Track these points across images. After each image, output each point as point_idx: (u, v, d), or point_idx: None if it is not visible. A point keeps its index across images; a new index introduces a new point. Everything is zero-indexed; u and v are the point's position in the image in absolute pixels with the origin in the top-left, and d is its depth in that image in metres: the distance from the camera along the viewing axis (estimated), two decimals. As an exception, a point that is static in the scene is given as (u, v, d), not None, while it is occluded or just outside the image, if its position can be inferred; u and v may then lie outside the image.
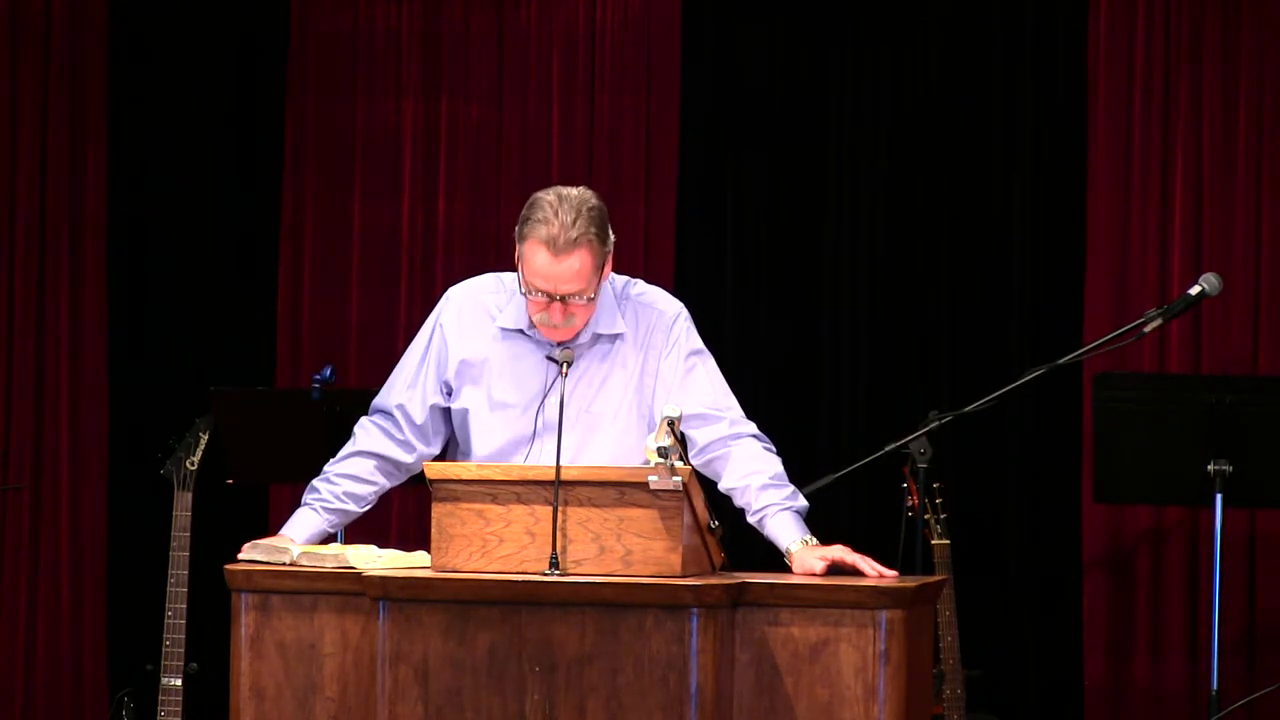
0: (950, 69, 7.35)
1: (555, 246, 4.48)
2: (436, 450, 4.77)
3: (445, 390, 4.71)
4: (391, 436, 4.73)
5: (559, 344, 4.59)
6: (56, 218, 7.70)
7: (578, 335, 4.61)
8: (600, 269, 4.55)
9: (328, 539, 4.71)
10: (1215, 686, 6.24)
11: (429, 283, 7.54)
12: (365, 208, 7.67)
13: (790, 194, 7.44)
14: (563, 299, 4.51)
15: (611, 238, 4.58)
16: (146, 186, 7.77)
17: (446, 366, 4.70)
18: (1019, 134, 7.29)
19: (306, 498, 4.71)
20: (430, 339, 4.73)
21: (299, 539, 4.61)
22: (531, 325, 4.63)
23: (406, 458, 4.74)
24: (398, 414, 4.72)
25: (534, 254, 4.49)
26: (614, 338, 4.65)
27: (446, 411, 4.73)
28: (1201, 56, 7.13)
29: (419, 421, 4.72)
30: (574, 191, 4.55)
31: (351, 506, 4.71)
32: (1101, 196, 7.18)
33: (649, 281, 4.81)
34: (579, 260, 4.49)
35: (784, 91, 7.47)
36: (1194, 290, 5.19)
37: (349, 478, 4.71)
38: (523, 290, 4.55)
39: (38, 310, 7.70)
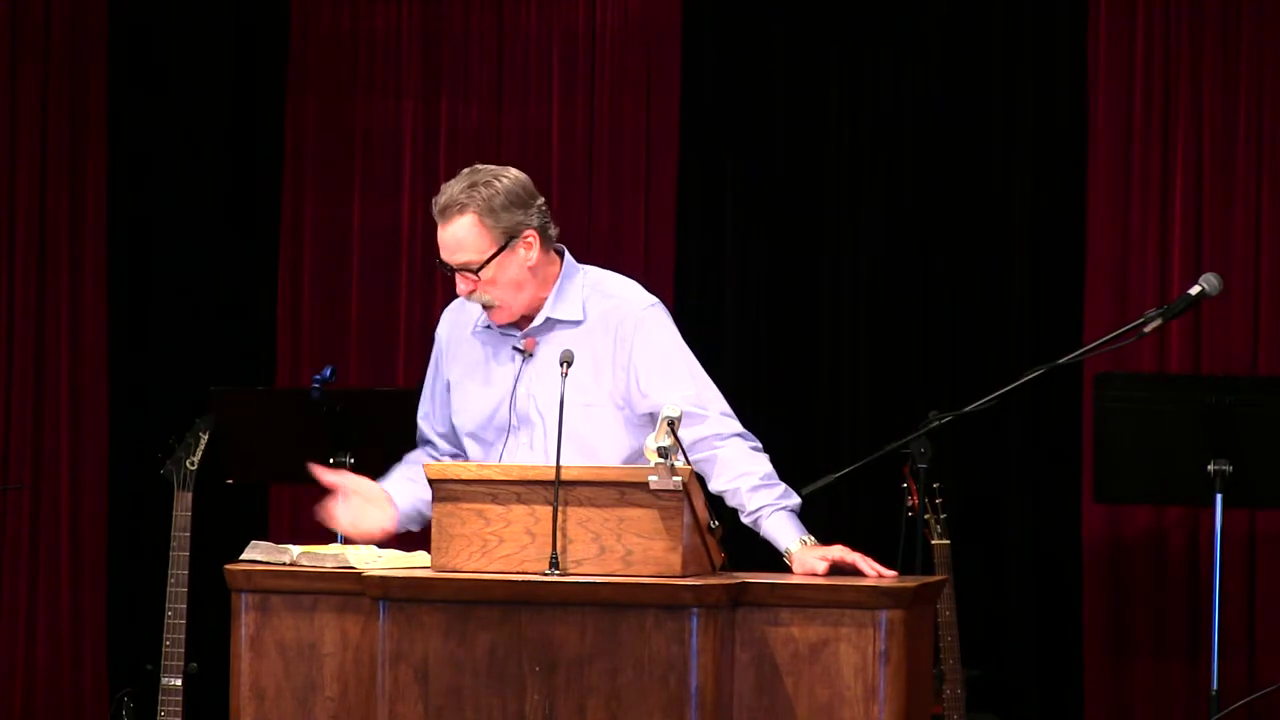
0: (950, 68, 7.35)
1: (439, 212, 4.53)
2: None
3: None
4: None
5: (520, 333, 4.60)
6: (56, 217, 7.70)
7: (533, 320, 4.59)
8: (501, 245, 4.50)
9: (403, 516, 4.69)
10: (1215, 686, 6.24)
11: (429, 283, 7.53)
12: (365, 208, 7.67)
13: (790, 194, 7.44)
14: (457, 271, 4.51)
15: (527, 219, 4.54)
16: (146, 186, 7.77)
17: (448, 377, 4.74)
18: (1019, 135, 7.28)
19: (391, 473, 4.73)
20: (434, 357, 4.79)
21: (393, 493, 4.63)
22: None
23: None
24: (434, 440, 4.78)
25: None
26: (574, 324, 4.61)
27: None
28: (1202, 56, 7.13)
29: (448, 432, 4.76)
30: (486, 166, 4.58)
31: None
32: (1101, 196, 7.17)
33: (649, 281, 4.80)
34: (460, 227, 4.50)
35: (784, 92, 7.46)
36: (1194, 290, 5.18)
37: (413, 465, 4.73)
38: None
39: (38, 310, 7.70)
